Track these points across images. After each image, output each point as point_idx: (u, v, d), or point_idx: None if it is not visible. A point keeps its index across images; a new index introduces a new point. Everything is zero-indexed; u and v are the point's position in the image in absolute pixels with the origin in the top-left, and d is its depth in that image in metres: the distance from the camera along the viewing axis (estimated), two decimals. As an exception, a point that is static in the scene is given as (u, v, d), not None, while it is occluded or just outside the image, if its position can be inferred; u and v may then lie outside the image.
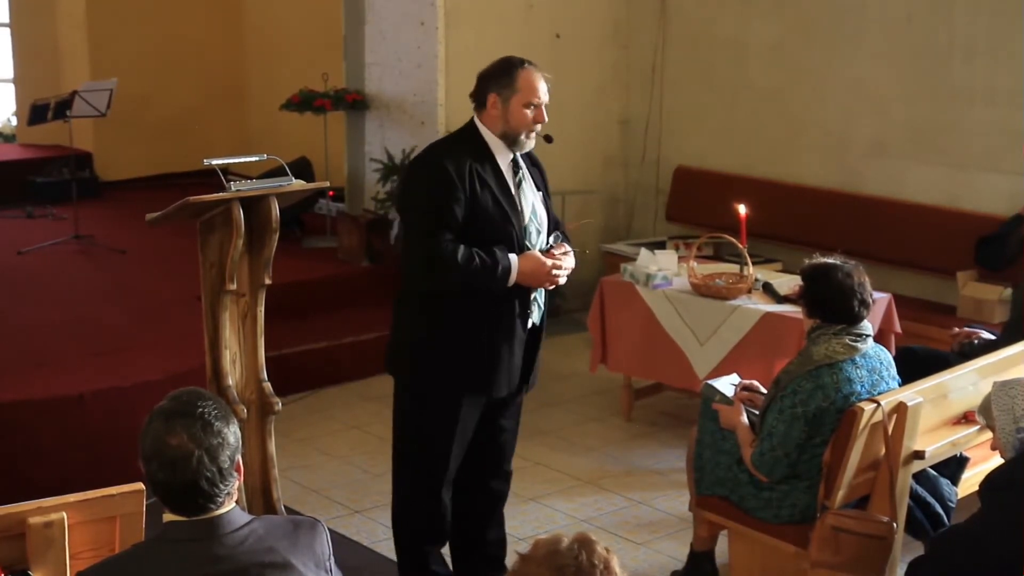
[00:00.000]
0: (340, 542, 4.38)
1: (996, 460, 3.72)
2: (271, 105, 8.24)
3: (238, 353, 4.10)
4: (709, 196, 7.58)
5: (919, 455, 3.93)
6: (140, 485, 2.69)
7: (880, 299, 5.44)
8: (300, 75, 8.13)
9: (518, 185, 3.90)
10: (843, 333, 3.90)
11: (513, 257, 3.80)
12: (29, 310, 6.43)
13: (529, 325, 3.96)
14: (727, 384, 4.30)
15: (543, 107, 3.86)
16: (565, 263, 3.91)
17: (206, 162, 3.99)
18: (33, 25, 9.91)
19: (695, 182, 7.88)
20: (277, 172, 4.22)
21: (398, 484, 4.12)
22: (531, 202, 3.93)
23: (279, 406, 4.19)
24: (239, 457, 2.39)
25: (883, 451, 3.88)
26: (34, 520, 2.63)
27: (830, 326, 3.91)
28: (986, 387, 3.75)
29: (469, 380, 3.89)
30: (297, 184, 4.11)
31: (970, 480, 4.23)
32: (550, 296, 4.11)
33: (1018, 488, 3.27)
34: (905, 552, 4.00)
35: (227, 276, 3.96)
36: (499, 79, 3.85)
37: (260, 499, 4.18)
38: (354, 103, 7.82)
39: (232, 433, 2.37)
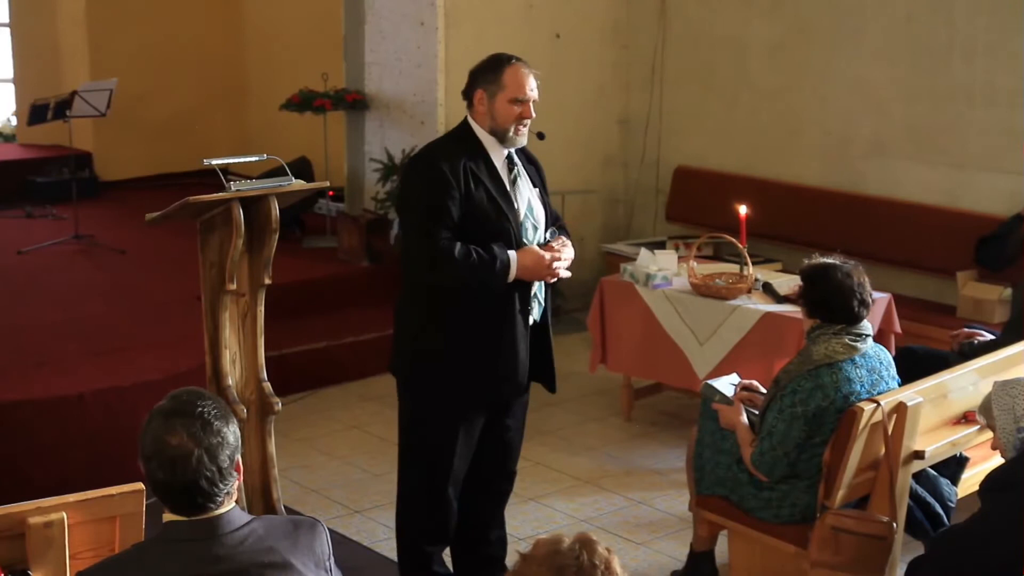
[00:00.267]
0: (340, 542, 4.38)
1: (996, 460, 3.72)
2: (271, 105, 8.24)
3: (238, 353, 4.10)
4: (709, 196, 7.58)
5: (919, 455, 3.93)
6: (140, 485, 2.69)
7: (880, 299, 5.44)
8: (300, 75, 8.13)
9: (513, 182, 3.90)
10: (843, 333, 3.90)
11: (512, 253, 3.80)
12: (29, 310, 6.43)
13: (530, 322, 3.96)
14: (727, 384, 4.30)
15: (531, 103, 3.84)
16: (564, 254, 3.90)
17: (206, 162, 3.99)
18: (33, 25, 9.91)
19: (695, 182, 7.88)
20: (277, 172, 4.22)
21: (402, 483, 4.12)
22: (527, 198, 3.93)
23: (279, 406, 4.19)
24: (239, 457, 2.39)
25: (883, 451, 3.88)
26: (34, 520, 2.63)
27: (830, 326, 3.91)
28: (986, 387, 3.75)
29: (472, 382, 3.88)
30: (297, 184, 4.11)
31: (970, 480, 4.23)
32: (551, 295, 4.11)
33: (1019, 488, 3.27)
34: (905, 552, 4.00)
35: (227, 276, 3.96)
36: (486, 75, 3.86)
37: (260, 499, 4.18)
38: (354, 103, 7.82)
39: (232, 433, 2.37)
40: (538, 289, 3.97)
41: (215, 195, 3.90)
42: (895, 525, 3.84)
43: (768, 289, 5.58)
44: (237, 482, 2.39)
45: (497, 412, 4.05)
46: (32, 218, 8.53)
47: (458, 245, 3.71)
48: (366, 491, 5.26)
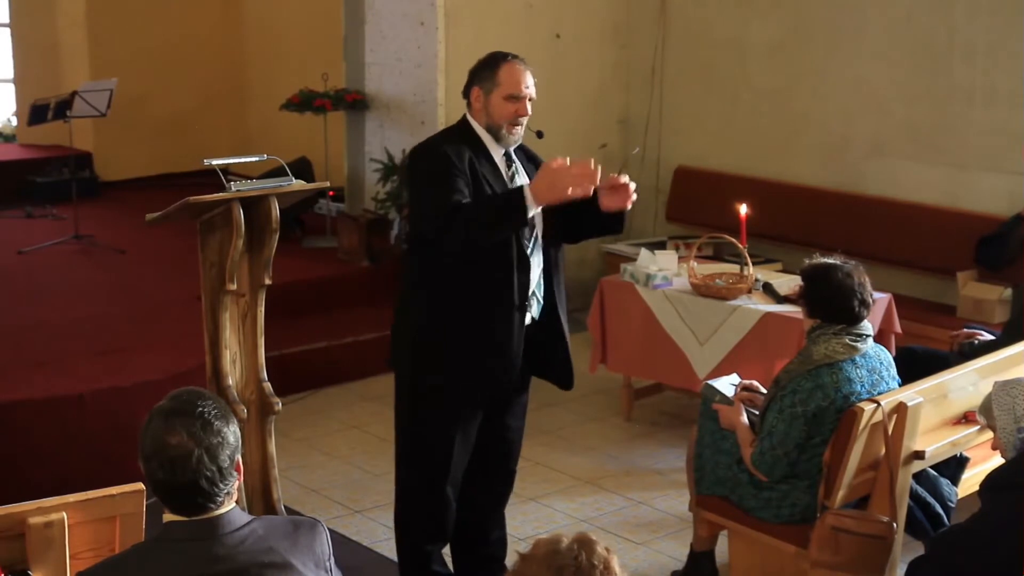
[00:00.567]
0: (340, 542, 4.38)
1: (996, 460, 3.73)
2: (271, 105, 8.24)
3: (238, 353, 4.10)
4: (709, 196, 7.58)
5: (919, 455, 3.93)
6: (140, 485, 2.69)
7: (880, 299, 5.44)
8: (300, 75, 8.13)
9: (511, 179, 3.89)
10: (843, 333, 3.90)
11: (519, 184, 3.76)
12: (29, 310, 6.43)
13: (527, 319, 3.92)
14: (727, 384, 4.30)
15: (526, 101, 3.82)
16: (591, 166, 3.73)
17: (206, 162, 3.99)
18: (33, 25, 9.91)
19: (695, 182, 7.88)
20: (277, 172, 4.22)
21: (400, 481, 4.11)
22: None
23: (279, 406, 4.19)
24: (239, 457, 2.39)
25: (883, 451, 3.89)
26: (34, 520, 2.63)
27: (830, 326, 3.91)
28: (986, 387, 3.75)
29: (468, 378, 3.87)
30: (297, 184, 4.11)
31: (970, 480, 4.23)
32: (551, 293, 4.07)
33: (1019, 488, 3.27)
34: (905, 552, 4.00)
35: (227, 276, 3.96)
36: (482, 73, 3.86)
37: (260, 499, 4.18)
38: (354, 103, 7.82)
39: (232, 432, 2.37)
40: (536, 287, 3.94)
41: (215, 195, 3.91)
42: (895, 525, 3.84)
43: (768, 289, 5.58)
44: (237, 482, 2.39)
45: (496, 411, 4.04)
46: (32, 218, 8.53)
47: (461, 201, 3.64)
48: (366, 491, 5.27)
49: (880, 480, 3.90)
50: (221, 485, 2.34)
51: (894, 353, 5.04)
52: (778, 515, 3.96)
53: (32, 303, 6.58)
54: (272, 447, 4.21)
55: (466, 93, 3.90)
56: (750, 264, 5.68)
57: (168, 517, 2.36)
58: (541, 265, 3.93)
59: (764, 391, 4.15)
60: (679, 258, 5.97)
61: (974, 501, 3.62)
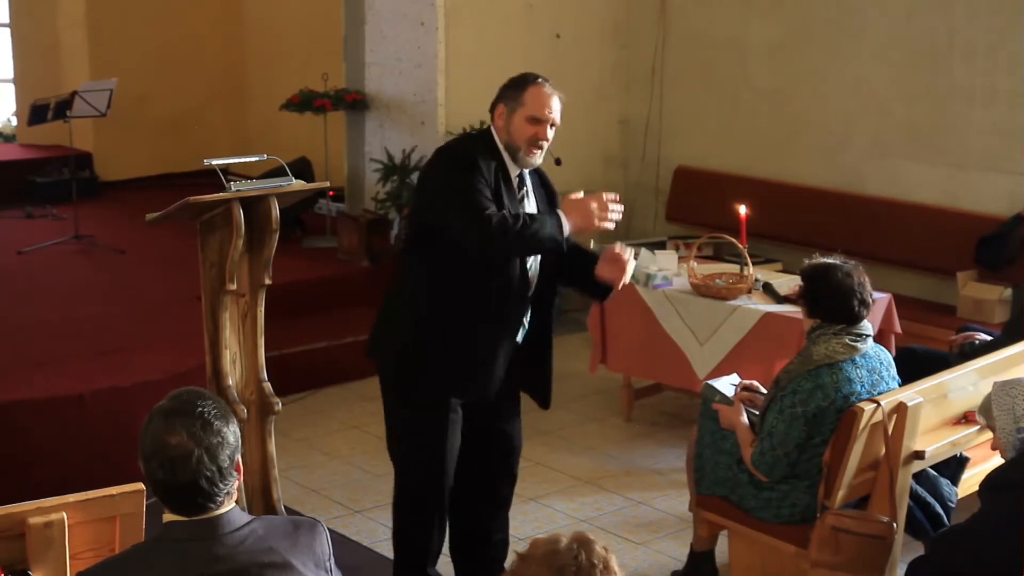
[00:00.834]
0: (340, 542, 4.38)
1: (996, 460, 3.72)
2: (271, 105, 8.25)
3: (238, 353, 4.10)
4: (709, 196, 7.58)
5: (919, 455, 3.93)
6: (140, 485, 2.69)
7: (880, 299, 5.44)
8: (300, 75, 8.13)
9: (520, 200, 3.86)
10: (843, 333, 3.90)
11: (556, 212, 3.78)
12: (29, 310, 6.43)
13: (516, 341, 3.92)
14: (727, 384, 4.30)
15: (548, 125, 3.79)
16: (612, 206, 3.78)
17: (206, 162, 3.99)
18: (33, 25, 9.91)
19: (695, 182, 7.88)
20: (277, 172, 4.22)
21: (400, 489, 4.08)
22: None
23: (279, 406, 4.19)
24: (239, 457, 2.39)
25: (883, 451, 3.89)
26: (34, 520, 2.63)
27: (830, 326, 3.91)
28: (986, 387, 3.75)
29: (446, 385, 3.84)
30: (297, 184, 4.11)
31: (970, 480, 4.23)
32: (549, 299, 4.05)
33: (1019, 488, 3.27)
34: (905, 552, 4.00)
35: (227, 276, 3.96)
36: (509, 91, 3.85)
37: (260, 499, 4.18)
38: (354, 103, 7.82)
39: (232, 432, 2.37)
40: (525, 315, 3.93)
41: (215, 195, 3.90)
42: (895, 525, 3.84)
43: (768, 289, 5.58)
44: (237, 482, 2.39)
45: (489, 414, 4.00)
46: (32, 218, 8.53)
47: (506, 213, 3.63)
48: (366, 491, 5.26)
49: (880, 480, 3.90)
50: (221, 485, 2.34)
51: (894, 353, 5.04)
52: (778, 515, 3.96)
53: (32, 303, 6.58)
54: (272, 447, 4.21)
55: (492, 108, 3.88)
56: (750, 264, 5.68)
57: (168, 517, 2.37)
58: (531, 292, 3.90)
59: (764, 391, 4.15)
60: (679, 258, 5.97)
61: (974, 501, 3.62)
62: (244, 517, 2.40)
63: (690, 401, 6.10)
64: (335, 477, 5.44)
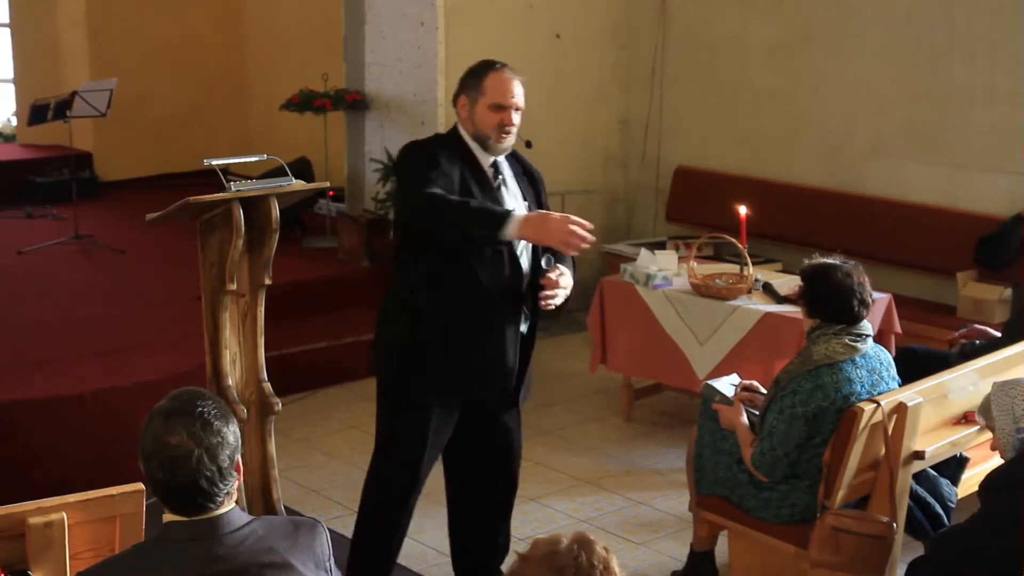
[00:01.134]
0: (340, 542, 4.36)
1: (996, 460, 3.72)
2: (271, 105, 8.25)
3: (238, 353, 4.10)
4: (709, 196, 7.58)
5: (919, 455, 3.93)
6: (140, 485, 2.69)
7: (880, 299, 5.45)
8: (300, 75, 8.13)
9: (497, 188, 3.81)
10: (843, 333, 3.90)
11: (516, 206, 3.74)
12: (29, 310, 6.43)
13: (519, 331, 3.86)
14: (727, 384, 4.29)
15: (512, 110, 3.73)
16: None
17: (206, 162, 3.99)
18: (33, 25, 9.91)
19: (695, 182, 7.88)
20: (277, 172, 4.21)
21: (370, 491, 4.06)
22: (511, 207, 3.77)
23: (279, 406, 4.18)
24: (239, 457, 2.39)
25: (883, 451, 3.89)
26: (34, 520, 2.63)
27: (830, 326, 3.91)
28: (986, 387, 3.75)
29: (451, 385, 3.81)
30: (297, 184, 4.11)
31: (970, 480, 4.23)
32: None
33: (1018, 488, 3.27)
34: (905, 552, 4.00)
35: (227, 276, 3.96)
36: (469, 81, 3.80)
37: (260, 499, 4.17)
38: (354, 103, 7.82)
39: (232, 432, 2.37)
40: (526, 305, 3.87)
41: (215, 195, 3.90)
42: (895, 525, 3.84)
43: (768, 289, 5.58)
44: (237, 482, 2.39)
45: (490, 416, 3.97)
46: (32, 218, 8.54)
47: (444, 193, 3.60)
48: (366, 491, 5.26)
49: (880, 480, 3.90)
50: (221, 485, 2.34)
51: (894, 353, 5.04)
52: (778, 515, 3.96)
53: (32, 303, 6.58)
54: (272, 447, 4.21)
55: (455, 101, 3.85)
56: (750, 264, 5.68)
57: (168, 517, 2.37)
58: (526, 281, 3.83)
59: (764, 391, 4.15)
60: (679, 258, 5.97)
61: (974, 501, 3.62)
62: (244, 517, 2.40)
63: (690, 401, 6.10)
64: (335, 477, 5.44)
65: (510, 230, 3.53)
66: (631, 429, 6.06)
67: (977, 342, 5.09)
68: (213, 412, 2.36)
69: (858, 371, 3.89)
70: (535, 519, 5.03)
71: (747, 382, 4.27)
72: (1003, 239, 6.21)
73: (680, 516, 4.98)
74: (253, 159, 4.40)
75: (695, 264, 5.78)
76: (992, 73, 6.54)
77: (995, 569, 3.23)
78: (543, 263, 3.82)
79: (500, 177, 3.84)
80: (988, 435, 3.72)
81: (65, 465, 4.98)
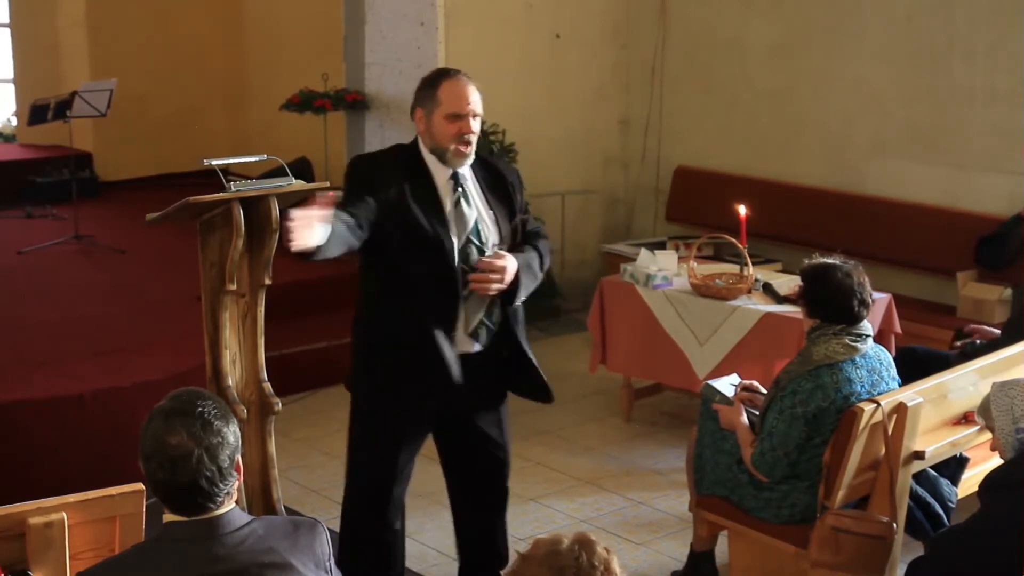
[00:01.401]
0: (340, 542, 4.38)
1: (996, 460, 3.72)
2: (271, 105, 8.25)
3: (238, 353, 4.10)
4: (709, 196, 7.58)
5: (919, 455, 3.93)
6: (140, 485, 2.69)
7: (880, 299, 5.45)
8: (300, 75, 8.13)
9: (456, 203, 3.67)
10: (843, 333, 3.90)
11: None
12: (29, 310, 6.43)
13: (475, 348, 3.75)
14: (727, 384, 4.29)
15: (470, 118, 3.61)
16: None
17: (206, 162, 3.99)
18: (33, 25, 9.91)
19: (695, 182, 7.88)
20: (277, 172, 4.21)
21: (344, 509, 4.01)
22: (472, 221, 3.69)
23: (279, 406, 4.18)
24: (239, 457, 2.39)
25: (883, 451, 3.89)
26: (34, 520, 2.63)
27: (830, 326, 3.91)
28: (986, 387, 3.75)
29: (397, 396, 3.76)
30: (297, 184, 4.11)
31: (970, 480, 4.23)
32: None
33: (1018, 488, 3.27)
34: (905, 552, 4.01)
35: (227, 276, 3.96)
36: (423, 92, 3.67)
37: (260, 499, 4.17)
38: (354, 103, 7.83)
39: (232, 432, 2.37)
40: (485, 316, 3.75)
41: (215, 195, 3.90)
42: (895, 525, 3.84)
43: (768, 289, 5.58)
44: (237, 482, 2.39)
45: (469, 429, 3.91)
46: (32, 218, 8.53)
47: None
48: (366, 491, 5.26)
49: (880, 480, 3.90)
50: (221, 485, 2.34)
51: (894, 353, 5.04)
52: (778, 515, 3.96)
53: (32, 303, 6.58)
54: (272, 447, 4.21)
55: (412, 114, 3.72)
56: (750, 264, 5.68)
57: (168, 517, 2.37)
58: (465, 288, 3.70)
59: (764, 391, 4.15)
60: (679, 258, 5.97)
61: (974, 501, 3.62)
62: (244, 517, 2.40)
63: (690, 401, 6.10)
64: (335, 477, 5.43)
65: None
66: (631, 429, 6.06)
67: (978, 341, 5.10)
68: (213, 412, 2.36)
69: (858, 371, 3.89)
70: (535, 519, 5.03)
71: (747, 382, 4.27)
72: (1003, 239, 6.21)
73: (680, 516, 4.98)
74: (253, 159, 4.41)
75: (695, 264, 5.78)
76: (992, 73, 6.54)
77: (995, 569, 3.23)
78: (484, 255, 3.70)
79: (459, 191, 3.69)
80: (988, 435, 3.72)
81: (65, 465, 4.98)
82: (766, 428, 3.91)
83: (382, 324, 3.76)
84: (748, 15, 7.61)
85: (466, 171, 3.74)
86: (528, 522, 4.98)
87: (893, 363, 4.08)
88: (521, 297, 3.77)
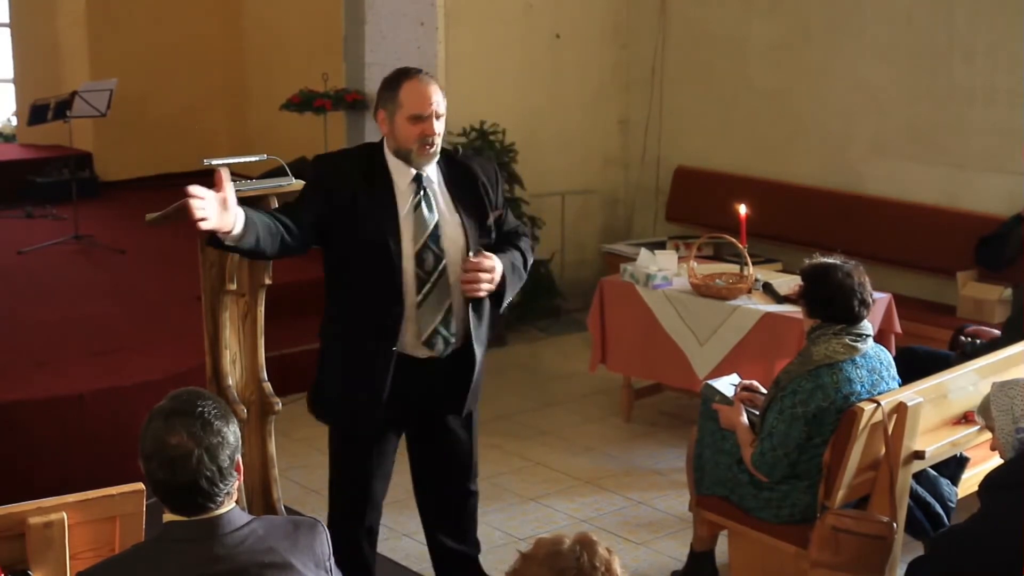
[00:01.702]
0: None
1: (996, 460, 3.72)
2: (271, 105, 8.25)
3: (238, 353, 4.10)
4: (709, 196, 7.58)
5: (919, 455, 3.93)
6: (140, 485, 2.69)
7: (880, 299, 5.44)
8: (300, 75, 8.13)
9: (416, 206, 3.61)
10: (843, 333, 3.90)
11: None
12: (29, 310, 6.43)
13: (425, 355, 3.70)
14: (727, 384, 4.30)
15: (434, 119, 3.55)
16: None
17: (206, 162, 3.99)
18: (33, 25, 9.91)
19: (695, 182, 7.88)
20: (277, 172, 4.22)
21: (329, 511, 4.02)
22: (431, 225, 3.62)
23: (279, 406, 4.19)
24: (239, 457, 2.39)
25: (883, 451, 3.89)
26: (34, 520, 2.63)
27: (830, 326, 3.91)
28: (986, 387, 3.75)
29: (346, 407, 3.79)
30: (297, 184, 4.10)
31: (970, 480, 4.23)
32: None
33: (1018, 488, 3.27)
34: (905, 552, 4.01)
35: (227, 276, 3.96)
36: (384, 94, 3.61)
37: (260, 499, 4.17)
38: (354, 103, 7.82)
39: (232, 432, 2.37)
40: (441, 326, 3.67)
41: (215, 195, 3.89)
42: (895, 525, 3.84)
43: (768, 289, 5.58)
44: (237, 482, 2.39)
45: (430, 430, 3.90)
46: (32, 218, 8.53)
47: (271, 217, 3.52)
48: (366, 491, 5.26)
49: (880, 480, 3.90)
50: (221, 485, 2.34)
51: (894, 353, 5.04)
52: (778, 515, 3.96)
53: (32, 303, 6.58)
54: (272, 447, 4.21)
55: (375, 116, 3.68)
56: (750, 264, 5.68)
57: (168, 517, 2.37)
58: (448, 302, 3.67)
59: (764, 391, 4.15)
60: (679, 258, 5.97)
61: (974, 501, 3.62)
62: (244, 517, 2.40)
63: (690, 401, 6.10)
64: (335, 477, 5.43)
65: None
66: (631, 429, 6.05)
67: (978, 341, 5.10)
68: (213, 412, 2.36)
69: (858, 371, 3.89)
70: (535, 519, 5.03)
71: (747, 382, 4.27)
72: (1003, 239, 6.21)
73: (680, 516, 4.98)
74: (253, 159, 4.40)
75: (695, 264, 5.78)
76: (992, 73, 6.54)
77: (995, 569, 3.23)
78: (470, 255, 3.65)
79: (423, 192, 3.63)
80: (988, 435, 3.73)
81: (65, 465, 4.98)
82: (766, 428, 3.91)
83: (332, 326, 3.85)
84: (748, 15, 7.61)
85: (432, 173, 3.68)
86: (528, 522, 4.98)
87: (893, 363, 4.08)
88: (508, 299, 3.73)
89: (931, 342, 5.73)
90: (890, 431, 3.84)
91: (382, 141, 3.72)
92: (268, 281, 4.12)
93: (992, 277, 6.24)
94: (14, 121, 10.52)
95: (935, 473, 4.21)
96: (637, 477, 5.48)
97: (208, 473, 2.31)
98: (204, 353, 4.08)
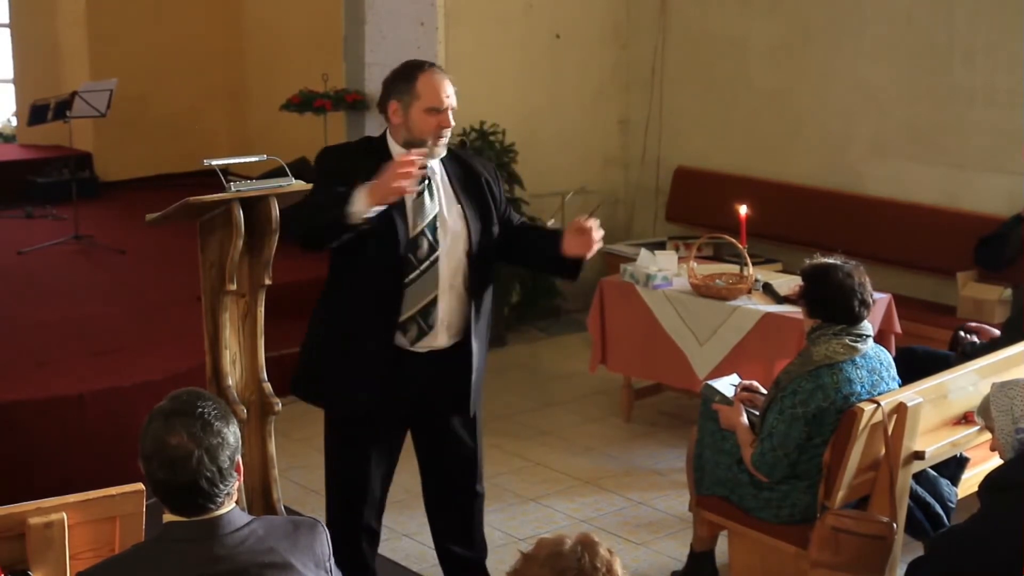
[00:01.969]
0: (340, 542, 4.37)
1: (996, 460, 3.72)
2: (271, 105, 8.25)
3: (238, 353, 4.10)
4: (709, 196, 7.58)
5: (919, 455, 3.93)
6: (140, 485, 2.69)
7: (880, 299, 5.44)
8: (300, 75, 8.13)
9: (420, 194, 3.64)
10: (843, 333, 3.90)
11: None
12: (29, 310, 6.43)
13: (401, 344, 3.71)
14: (727, 384, 4.30)
15: (449, 111, 3.62)
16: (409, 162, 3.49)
17: (206, 162, 3.99)
18: (33, 25, 9.91)
19: (695, 182, 7.88)
20: (277, 172, 4.22)
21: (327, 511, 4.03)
22: (431, 215, 3.66)
23: (279, 406, 4.19)
24: (239, 457, 2.39)
25: (883, 451, 3.89)
26: (34, 520, 2.63)
27: (830, 326, 3.91)
28: (986, 387, 3.75)
29: (343, 401, 3.80)
30: (297, 184, 4.11)
31: (970, 480, 4.23)
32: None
33: (1018, 488, 3.27)
34: (905, 552, 4.01)
35: (227, 276, 3.96)
36: (399, 85, 3.63)
37: (260, 499, 4.18)
38: (354, 103, 7.82)
39: (232, 433, 2.37)
40: (419, 314, 3.69)
41: (215, 195, 3.90)
42: (895, 525, 3.84)
43: (768, 289, 5.58)
44: (237, 483, 2.39)
45: (437, 429, 3.90)
46: (32, 218, 8.53)
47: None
48: (366, 491, 5.25)
49: (880, 480, 3.90)
50: (221, 486, 2.34)
51: (894, 353, 5.04)
52: (778, 515, 3.96)
53: (32, 303, 6.58)
54: (272, 447, 4.22)
55: (383, 107, 3.69)
56: (750, 264, 5.68)
57: (168, 517, 2.37)
58: (432, 294, 3.69)
59: (764, 391, 4.15)
60: (679, 258, 5.97)
61: (974, 501, 3.62)
62: (244, 517, 2.41)
63: (690, 401, 6.10)
64: (335, 477, 5.43)
65: (358, 203, 3.43)
66: (631, 429, 6.05)
67: (977, 341, 5.10)
68: (213, 412, 2.36)
69: (858, 371, 3.89)
70: (535, 519, 5.03)
71: (747, 382, 4.27)
72: (1003, 239, 6.20)
73: (680, 516, 4.98)
74: (253, 159, 4.41)
75: (695, 264, 5.78)
76: (992, 73, 6.54)
77: (995, 569, 3.23)
78: (582, 219, 3.68)
79: (427, 181, 3.66)
80: (988, 435, 3.72)
81: (65, 465, 4.98)
82: (766, 428, 3.91)
83: (328, 312, 3.82)
84: (748, 15, 7.61)
85: (435, 165, 3.72)
86: (528, 522, 4.98)
87: (893, 363, 4.08)
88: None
89: (931, 342, 5.73)
90: (890, 431, 3.84)
91: (384, 135, 3.75)
92: (268, 281, 4.12)
93: (992, 277, 6.23)
94: (14, 121, 10.52)
95: (935, 473, 4.21)
96: (637, 477, 5.48)
97: (208, 474, 2.31)
98: (204, 353, 4.08)
